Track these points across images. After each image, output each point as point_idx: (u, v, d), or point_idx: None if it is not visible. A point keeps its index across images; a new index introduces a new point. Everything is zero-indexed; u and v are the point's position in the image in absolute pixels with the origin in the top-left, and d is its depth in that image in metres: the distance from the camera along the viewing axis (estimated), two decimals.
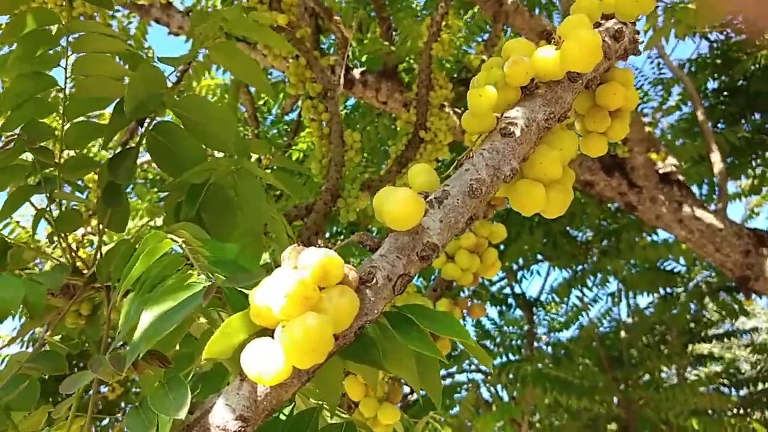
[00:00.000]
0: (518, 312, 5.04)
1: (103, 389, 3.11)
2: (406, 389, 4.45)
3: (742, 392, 4.66)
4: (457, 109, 2.43)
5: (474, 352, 0.67)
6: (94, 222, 2.31)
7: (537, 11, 3.39)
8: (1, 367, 1.08)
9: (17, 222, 3.18)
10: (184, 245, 0.74)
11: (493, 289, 4.93)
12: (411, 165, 2.06)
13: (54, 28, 0.91)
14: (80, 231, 2.29)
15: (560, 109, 0.76)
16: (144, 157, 2.99)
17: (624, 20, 0.89)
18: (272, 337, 0.53)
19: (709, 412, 4.27)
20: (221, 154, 1.15)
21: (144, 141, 0.97)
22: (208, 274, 0.64)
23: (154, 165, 3.64)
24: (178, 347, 0.91)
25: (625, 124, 0.92)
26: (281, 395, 0.54)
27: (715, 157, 3.23)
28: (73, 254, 1.01)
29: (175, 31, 2.75)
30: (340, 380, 0.68)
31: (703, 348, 5.49)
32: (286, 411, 0.77)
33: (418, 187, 0.69)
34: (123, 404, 3.72)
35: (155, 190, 3.49)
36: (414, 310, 0.63)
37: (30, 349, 0.92)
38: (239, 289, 0.63)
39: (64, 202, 1.01)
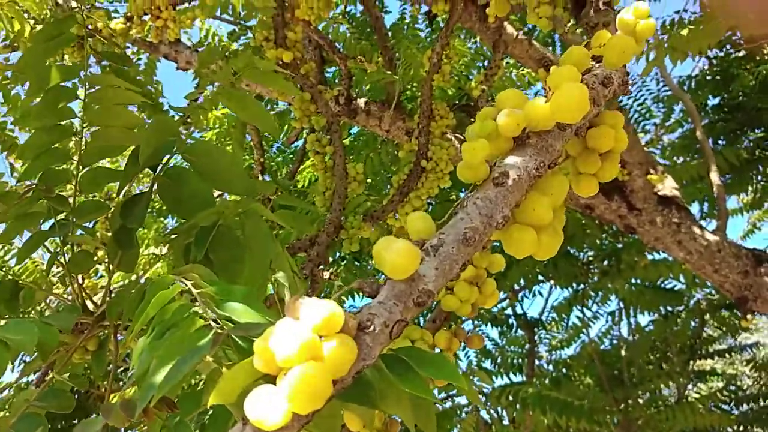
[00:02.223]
0: (519, 331, 5.05)
1: None
2: None
3: (744, 408, 4.64)
4: (458, 135, 2.47)
5: (468, 394, 0.70)
6: (100, 253, 2.35)
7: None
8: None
9: (31, 258, 3.22)
10: (193, 288, 0.78)
11: (494, 310, 4.94)
12: (412, 195, 2.09)
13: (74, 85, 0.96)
14: None
15: (550, 157, 0.80)
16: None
17: (612, 69, 0.93)
18: (274, 383, 0.56)
19: (710, 430, 4.24)
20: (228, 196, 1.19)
21: (155, 185, 1.01)
22: (217, 321, 0.68)
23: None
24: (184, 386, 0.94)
25: (616, 164, 0.96)
26: None
27: (714, 177, 3.26)
28: (84, 294, 1.04)
29: (183, 67, 2.82)
30: (339, 420, 0.72)
31: (705, 364, 5.47)
32: None
33: (416, 234, 0.73)
34: None
35: (161, 219, 3.54)
36: (409, 352, 0.66)
37: (33, 382, 0.95)
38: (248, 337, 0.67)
39: (75, 244, 1.05)
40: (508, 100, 0.81)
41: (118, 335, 1.05)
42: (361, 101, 2.67)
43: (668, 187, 3.05)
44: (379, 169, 3.28)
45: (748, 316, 2.91)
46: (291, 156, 3.58)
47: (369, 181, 3.40)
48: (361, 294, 0.72)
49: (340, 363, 0.57)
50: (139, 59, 2.96)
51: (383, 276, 0.69)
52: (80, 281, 1.05)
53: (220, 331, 0.63)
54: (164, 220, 3.57)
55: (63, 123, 0.97)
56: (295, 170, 2.93)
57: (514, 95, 0.82)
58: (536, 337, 5.04)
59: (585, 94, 0.76)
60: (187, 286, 0.79)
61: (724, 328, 4.86)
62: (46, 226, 1.02)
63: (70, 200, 1.00)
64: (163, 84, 3.22)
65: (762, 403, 4.61)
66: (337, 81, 3.04)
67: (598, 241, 4.34)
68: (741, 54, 4.16)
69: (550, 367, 5.20)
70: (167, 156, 0.98)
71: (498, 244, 0.82)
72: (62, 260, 1.01)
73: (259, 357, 0.58)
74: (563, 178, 0.84)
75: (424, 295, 0.66)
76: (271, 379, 0.57)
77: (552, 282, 4.74)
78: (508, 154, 0.78)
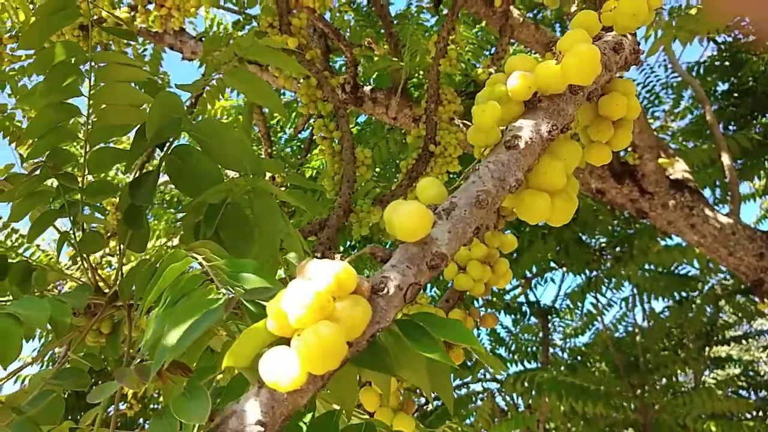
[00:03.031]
0: (533, 319, 5.04)
1: (122, 406, 3.15)
2: (422, 400, 4.45)
3: (761, 394, 4.60)
4: (466, 122, 2.46)
5: (484, 358, 0.69)
6: (112, 243, 2.36)
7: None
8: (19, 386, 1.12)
9: (37, 246, 3.25)
10: (204, 262, 0.77)
11: (508, 297, 4.94)
12: (421, 179, 2.08)
13: (77, 59, 0.95)
14: (99, 253, 2.34)
15: (563, 120, 0.78)
16: (161, 178, 3.04)
17: (623, 33, 0.92)
18: (288, 345, 0.56)
19: (728, 415, 4.22)
20: (237, 174, 1.18)
21: (163, 164, 1.01)
22: (228, 288, 0.68)
23: (171, 186, 3.71)
24: (198, 362, 0.94)
25: (628, 132, 0.94)
26: (297, 401, 0.56)
27: (726, 160, 3.22)
28: (96, 275, 1.04)
29: (189, 57, 2.81)
30: (355, 386, 0.71)
31: (721, 351, 5.43)
32: (307, 419, 0.80)
33: (427, 200, 0.72)
34: (141, 421, 3.76)
35: (172, 210, 3.55)
36: (425, 318, 0.65)
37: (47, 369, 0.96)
38: (257, 301, 0.66)
39: (85, 224, 1.05)
40: (518, 64, 0.80)
41: (133, 317, 1.05)
42: (367, 89, 2.66)
43: (680, 170, 3.02)
44: (387, 157, 3.27)
45: (766, 300, 2.88)
46: (299, 146, 3.58)
47: (378, 170, 3.39)
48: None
49: (354, 323, 0.57)
50: (145, 50, 2.96)
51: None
52: (91, 263, 1.05)
53: (232, 295, 0.63)
54: (175, 212, 3.58)
55: (69, 101, 0.96)
56: (303, 159, 2.92)
57: (524, 60, 0.81)
58: (550, 325, 5.03)
59: (596, 55, 0.75)
60: (198, 259, 0.78)
61: (739, 314, 4.83)
62: (56, 207, 1.02)
63: (79, 180, 1.00)
64: (170, 76, 3.22)
65: None
66: (343, 70, 3.04)
67: (610, 228, 4.32)
68: (750, 39, 4.11)
69: (565, 354, 5.19)
70: (174, 134, 0.98)
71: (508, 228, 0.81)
72: (73, 241, 1.01)
73: (272, 319, 0.57)
74: (576, 144, 0.83)
75: (437, 258, 0.65)
76: (285, 342, 0.57)
77: (564, 269, 4.72)
78: (519, 118, 0.77)
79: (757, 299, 4.19)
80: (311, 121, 2.62)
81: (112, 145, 1.07)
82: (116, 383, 0.59)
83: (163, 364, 0.56)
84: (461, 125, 2.32)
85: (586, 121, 0.92)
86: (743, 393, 4.77)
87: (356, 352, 0.61)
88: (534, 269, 4.58)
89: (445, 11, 3.10)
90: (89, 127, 0.99)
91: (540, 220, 0.76)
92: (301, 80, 2.02)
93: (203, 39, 2.78)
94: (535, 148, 0.74)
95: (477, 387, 4.59)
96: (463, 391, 4.49)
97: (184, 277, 0.74)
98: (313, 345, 0.52)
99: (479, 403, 4.29)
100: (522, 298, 5.06)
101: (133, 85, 1.07)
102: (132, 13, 2.22)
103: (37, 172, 0.94)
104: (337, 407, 0.77)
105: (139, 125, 1.02)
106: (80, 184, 1.01)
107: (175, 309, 0.65)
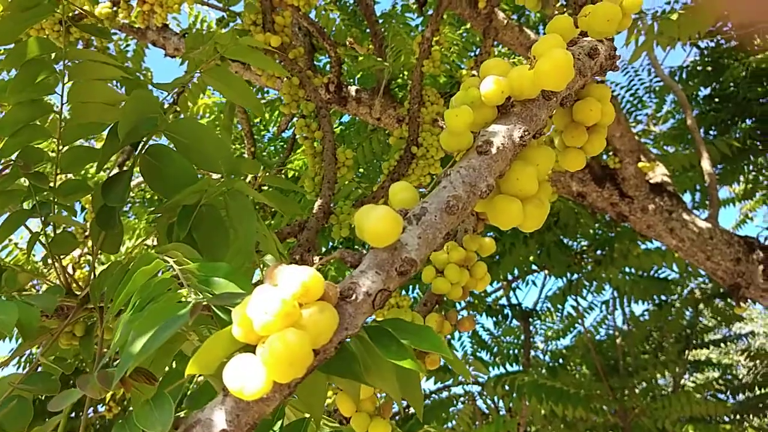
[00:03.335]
0: (515, 322, 5.06)
1: (101, 408, 3.11)
2: (404, 402, 4.45)
3: (739, 398, 4.66)
4: None
5: (455, 365, 0.69)
6: (90, 243, 2.33)
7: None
8: None
9: (15, 244, 3.21)
10: (175, 265, 0.76)
11: (489, 300, 4.95)
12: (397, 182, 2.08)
13: (53, 56, 0.94)
14: (77, 252, 2.31)
15: (535, 126, 0.78)
16: (141, 177, 3.02)
17: (598, 38, 0.92)
18: (254, 353, 0.55)
19: (706, 418, 4.27)
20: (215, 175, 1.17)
21: (137, 163, 1.00)
22: (197, 293, 0.67)
23: None
24: (173, 364, 0.93)
25: (602, 138, 0.95)
26: (263, 409, 0.56)
27: (706, 165, 3.26)
28: (68, 276, 1.03)
29: (172, 53, 2.79)
30: (324, 394, 0.70)
31: (700, 354, 5.49)
32: (277, 427, 0.79)
33: (398, 204, 0.72)
34: None
35: (152, 209, 3.52)
36: (394, 324, 0.65)
37: (25, 371, 0.94)
38: (226, 307, 0.66)
39: (57, 224, 1.03)
40: (492, 68, 0.80)
41: (105, 319, 1.03)
42: (352, 89, 2.66)
43: (659, 174, 3.05)
44: (371, 158, 3.26)
45: (742, 304, 2.91)
46: (282, 145, 3.57)
47: (361, 170, 3.38)
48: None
49: (320, 330, 0.56)
50: (128, 45, 2.93)
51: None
52: (64, 263, 1.04)
53: (198, 301, 0.62)
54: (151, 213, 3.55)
55: (42, 99, 0.95)
56: (285, 159, 2.91)
57: (498, 64, 0.81)
58: (531, 328, 5.05)
59: (570, 60, 0.75)
60: (169, 262, 0.77)
61: (718, 318, 4.89)
62: (27, 207, 1.00)
63: (51, 180, 0.98)
64: (153, 72, 3.19)
65: (757, 392, 4.64)
66: (327, 69, 3.03)
67: (591, 231, 4.35)
68: (732, 44, 4.16)
69: (546, 357, 5.22)
70: (149, 133, 0.97)
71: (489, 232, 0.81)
72: (44, 240, 0.99)
73: (237, 326, 0.56)
74: (549, 149, 0.83)
75: (406, 264, 0.65)
76: (251, 350, 0.56)
77: (546, 272, 4.74)
78: (492, 123, 0.77)
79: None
80: (294, 120, 2.60)
81: (85, 143, 1.05)
82: (78, 391, 0.58)
83: (126, 371, 0.55)
84: (444, 127, 2.32)
85: (561, 127, 0.92)
86: (721, 396, 4.83)
87: (324, 360, 0.60)
88: (515, 272, 4.60)
89: (430, 12, 3.10)
90: (62, 125, 0.98)
91: (511, 225, 0.76)
92: (284, 79, 2.01)
93: (186, 35, 2.76)
94: (507, 153, 0.74)
95: (458, 390, 4.61)
96: (444, 394, 4.50)
97: (154, 281, 0.73)
98: (278, 352, 0.52)
99: (460, 406, 4.30)
100: (504, 301, 5.08)
101: (112, 84, 1.06)
102: (114, 9, 2.19)
103: (8, 171, 0.92)
104: (307, 415, 0.77)
105: (113, 124, 1.01)
106: (52, 184, 1.00)
107: (141, 314, 0.64)
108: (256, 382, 0.52)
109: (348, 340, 0.62)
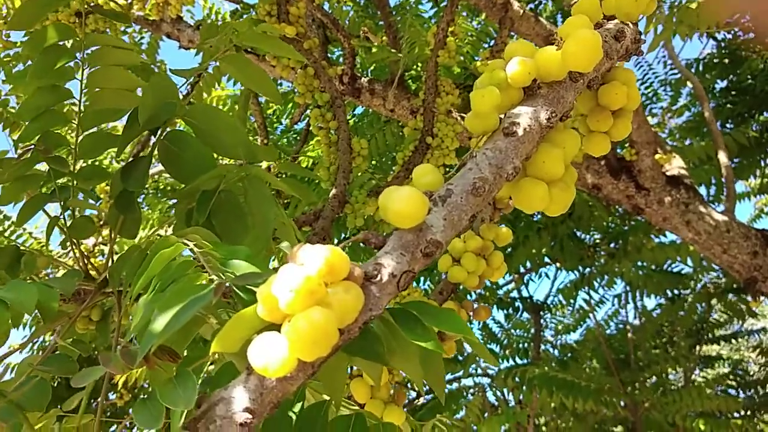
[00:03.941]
0: (525, 315, 5.04)
1: (112, 396, 3.14)
2: (413, 394, 4.46)
3: (750, 393, 4.63)
4: (464, 115, 2.44)
5: (478, 348, 0.68)
6: (105, 232, 2.34)
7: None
8: (11, 375, 1.10)
9: (30, 233, 3.23)
10: (195, 248, 0.76)
11: (501, 292, 4.94)
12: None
13: (71, 43, 0.93)
14: (91, 241, 2.33)
15: (562, 108, 0.77)
16: (155, 167, 3.03)
17: (625, 20, 0.91)
18: (279, 331, 0.54)
19: (717, 414, 4.24)
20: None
21: (156, 150, 0.99)
22: (219, 274, 0.66)
23: (165, 175, 3.69)
24: (187, 352, 0.92)
25: (628, 123, 0.93)
26: (287, 388, 0.55)
27: (723, 157, 3.22)
28: (86, 260, 1.03)
29: (186, 45, 2.79)
30: (345, 376, 0.70)
31: (711, 349, 5.45)
32: (296, 408, 0.78)
33: (423, 187, 0.71)
34: (132, 411, 3.74)
35: (165, 200, 3.53)
36: (418, 306, 0.64)
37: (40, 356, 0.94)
38: (248, 288, 0.65)
39: (77, 210, 1.03)
40: (517, 50, 0.79)
41: (123, 303, 1.03)
42: (365, 80, 2.64)
43: (676, 167, 3.02)
44: (384, 150, 3.25)
45: (758, 298, 2.88)
46: (295, 137, 3.56)
47: (374, 162, 3.37)
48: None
49: (345, 309, 0.55)
50: (142, 38, 2.94)
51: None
52: (81, 248, 1.04)
53: (222, 280, 0.61)
54: (169, 201, 3.56)
55: (61, 84, 0.95)
56: (298, 150, 2.91)
57: (523, 46, 0.80)
58: (542, 321, 5.03)
59: (598, 40, 0.74)
60: (189, 245, 0.77)
61: (730, 313, 4.85)
62: (47, 191, 1.00)
63: (70, 165, 0.98)
64: (167, 64, 3.20)
65: None
66: (341, 60, 3.01)
67: (604, 224, 4.31)
68: (749, 36, 4.11)
69: (556, 351, 5.20)
70: (168, 119, 0.96)
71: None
72: (63, 225, 0.99)
73: (262, 304, 0.56)
74: (575, 133, 0.82)
75: (432, 246, 0.64)
76: (275, 328, 0.56)
77: (558, 264, 4.72)
78: (518, 105, 0.75)
79: (748, 298, 4.20)
80: (308, 111, 2.60)
81: (105, 129, 1.05)
82: (101, 368, 0.57)
83: (150, 348, 0.55)
84: (459, 118, 2.31)
85: (586, 111, 0.91)
86: (732, 392, 4.80)
87: (348, 340, 0.59)
88: (528, 264, 4.58)
89: (444, 2, 3.08)
90: (81, 111, 0.97)
91: (537, 209, 0.75)
92: (299, 70, 2.00)
93: (200, 27, 2.76)
94: (534, 135, 0.73)
95: (468, 382, 4.60)
96: (455, 385, 4.50)
97: (174, 264, 0.72)
98: (303, 330, 0.51)
99: (470, 397, 4.30)
100: (515, 294, 5.06)
101: (127, 70, 1.05)
102: (129, 1, 2.19)
103: (28, 155, 0.92)
104: (326, 398, 0.76)
105: (132, 110, 1.01)
106: (71, 169, 1.00)
107: (163, 294, 0.64)
108: (281, 360, 0.52)
109: (372, 321, 0.61)
